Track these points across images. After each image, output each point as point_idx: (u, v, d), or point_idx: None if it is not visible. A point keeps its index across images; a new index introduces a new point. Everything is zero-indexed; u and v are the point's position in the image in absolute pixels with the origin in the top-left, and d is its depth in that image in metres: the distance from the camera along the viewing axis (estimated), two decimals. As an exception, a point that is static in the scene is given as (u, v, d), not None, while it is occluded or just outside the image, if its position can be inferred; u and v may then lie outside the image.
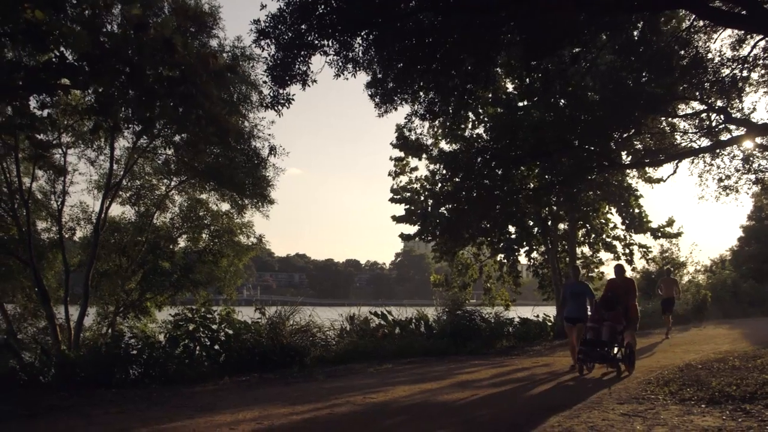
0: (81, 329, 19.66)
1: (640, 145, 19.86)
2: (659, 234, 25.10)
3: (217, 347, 13.16)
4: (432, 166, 22.39)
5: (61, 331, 19.08)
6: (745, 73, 16.00)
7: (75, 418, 8.33)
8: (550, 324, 22.90)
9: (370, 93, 13.30)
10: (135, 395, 9.96)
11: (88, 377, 10.79)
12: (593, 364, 13.05)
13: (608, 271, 25.62)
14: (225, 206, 21.78)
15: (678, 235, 25.70)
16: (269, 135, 22.14)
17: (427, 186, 22.76)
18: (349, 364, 14.08)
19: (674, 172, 19.80)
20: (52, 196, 21.08)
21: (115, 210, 25.76)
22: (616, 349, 12.70)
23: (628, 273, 17.27)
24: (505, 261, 23.52)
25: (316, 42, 11.54)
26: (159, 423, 7.83)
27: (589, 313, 13.67)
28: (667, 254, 37.36)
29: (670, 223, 25.32)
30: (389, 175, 23.68)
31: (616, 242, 25.33)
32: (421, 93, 13.84)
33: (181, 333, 12.87)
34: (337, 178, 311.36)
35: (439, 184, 21.61)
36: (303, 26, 11.32)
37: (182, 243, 23.09)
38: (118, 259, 21.63)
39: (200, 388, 10.81)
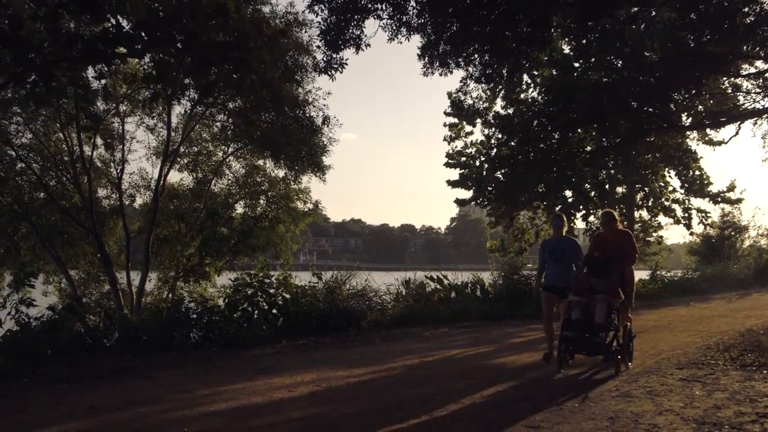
0: (142, 294, 20.06)
1: (700, 107, 19.39)
2: (719, 199, 24.56)
3: (275, 311, 13.30)
4: (487, 131, 22.24)
5: (123, 295, 19.51)
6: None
7: (138, 379, 8.54)
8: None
9: (419, 53, 13.18)
10: (195, 358, 10.17)
11: (150, 341, 11.03)
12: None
13: (667, 236, 25.25)
14: (282, 173, 21.90)
15: (739, 201, 25.11)
16: (324, 105, 22.12)
17: (483, 150, 22.59)
18: (405, 327, 14.14)
19: (736, 133, 19.31)
20: (111, 164, 21.43)
21: (174, 177, 26.19)
22: (611, 336, 8.81)
23: (621, 223, 10.68)
24: (562, 225, 23.26)
25: (369, 5, 11.50)
26: (219, 385, 7.98)
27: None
28: (728, 218, 36.64)
29: (732, 188, 24.73)
30: (444, 140, 23.59)
31: (675, 206, 24.91)
32: (476, 56, 13.68)
33: (240, 297, 13.02)
34: (392, 144, 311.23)
35: (495, 149, 21.44)
36: (356, -10, 11.26)
37: (239, 209, 23.31)
38: (177, 225, 21.91)
39: (259, 351, 10.98)
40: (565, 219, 10.38)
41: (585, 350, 8.80)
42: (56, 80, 8.68)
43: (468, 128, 23.19)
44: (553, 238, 10.39)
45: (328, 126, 18.73)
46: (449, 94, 22.09)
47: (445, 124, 23.48)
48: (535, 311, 16.86)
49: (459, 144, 23.51)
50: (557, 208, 23.03)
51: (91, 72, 10.27)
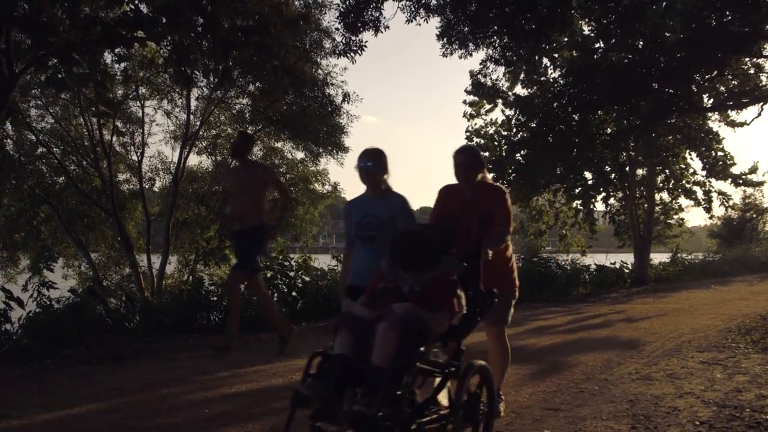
0: (163, 277, 20.23)
1: (722, 87, 19.19)
2: (741, 181, 24.33)
3: (294, 294, 13.34)
4: (507, 112, 22.14)
5: (144, 278, 19.68)
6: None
7: (160, 361, 8.62)
8: (627, 271, 22.65)
9: (438, 34, 13.10)
10: (216, 340, 10.24)
11: (170, 323, 11.10)
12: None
13: (688, 218, 25.15)
14: (300, 155, 21.93)
15: (761, 183, 24.87)
16: (342, 82, 22.06)
17: (503, 132, 22.49)
18: (425, 310, 14.13)
19: (759, 114, 19.08)
20: (131, 147, 21.56)
21: (192, 160, 26.33)
22: (419, 392, 4.20)
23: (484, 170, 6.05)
24: (582, 207, 23.17)
25: (388, -13, 11.43)
26: (240, 366, 8.04)
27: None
28: (749, 200, 36.37)
29: (754, 169, 24.46)
30: (463, 116, 23.51)
31: (696, 188, 24.71)
32: (495, 38, 13.59)
33: (260, 280, 13.06)
34: (412, 126, 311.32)
35: (515, 130, 21.35)
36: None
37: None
38: (196, 208, 22.04)
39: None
40: (385, 156, 5.53)
41: (334, 423, 4.10)
42: (76, 64, 8.70)
43: (488, 106, 23.07)
44: (363, 197, 5.65)
45: (348, 102, 18.71)
46: (471, 73, 22.02)
47: (464, 102, 23.40)
48: (555, 294, 16.85)
49: (479, 122, 23.41)
50: (577, 191, 22.93)
51: (109, 57, 10.31)
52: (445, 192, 5.85)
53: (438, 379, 4.31)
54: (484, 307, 4.68)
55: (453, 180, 5.61)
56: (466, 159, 5.58)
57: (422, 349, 4.05)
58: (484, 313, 4.72)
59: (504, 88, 21.98)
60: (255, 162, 8.39)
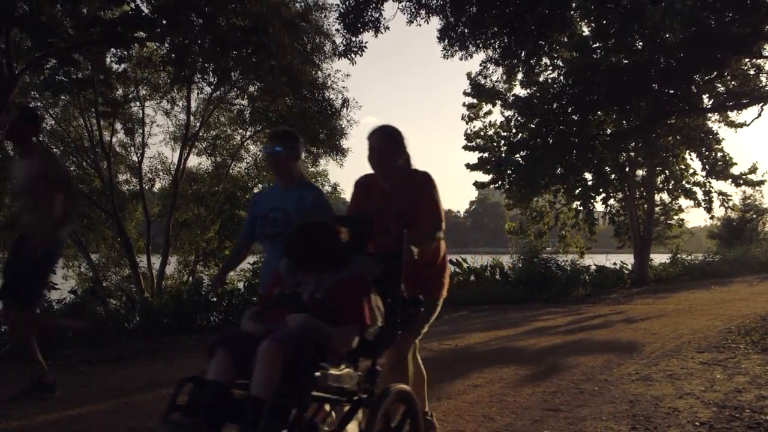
0: (163, 277, 20.23)
1: (722, 88, 19.21)
2: (741, 181, 24.34)
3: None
4: (507, 113, 22.14)
5: (143, 279, 19.68)
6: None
7: (159, 362, 8.61)
8: (627, 272, 22.66)
9: (439, 36, 13.13)
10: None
11: (170, 324, 11.08)
12: None
13: (688, 219, 25.17)
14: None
15: (761, 183, 24.88)
16: (343, 87, 22.12)
17: (502, 133, 22.49)
18: (424, 311, 14.12)
19: (759, 115, 19.09)
20: (131, 148, 21.59)
21: (192, 161, 26.37)
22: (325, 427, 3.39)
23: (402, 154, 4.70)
24: (581, 208, 23.18)
25: (388, -12, 11.48)
26: (240, 368, 8.03)
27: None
28: (749, 201, 36.37)
29: (754, 169, 24.48)
30: (462, 119, 23.51)
31: (696, 188, 24.72)
32: (495, 38, 13.61)
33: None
34: (413, 126, 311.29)
35: (514, 130, 21.36)
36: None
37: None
38: (196, 209, 22.06)
39: (279, 334, 11.02)
40: (298, 139, 4.94)
41: None
42: (76, 65, 8.71)
43: (486, 108, 23.06)
44: (273, 188, 5.20)
45: (347, 109, 18.76)
46: (469, 75, 22.01)
47: (464, 104, 23.40)
48: (555, 294, 16.85)
49: (478, 124, 23.41)
50: (576, 192, 22.93)
51: (109, 57, 10.32)
52: (362, 184, 4.81)
53: (346, 409, 3.50)
54: (407, 318, 3.94)
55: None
56: (381, 142, 4.52)
57: (318, 373, 3.16)
58: (406, 325, 4.01)
59: (503, 90, 21.97)
60: (36, 148, 6.16)
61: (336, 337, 3.42)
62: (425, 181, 4.58)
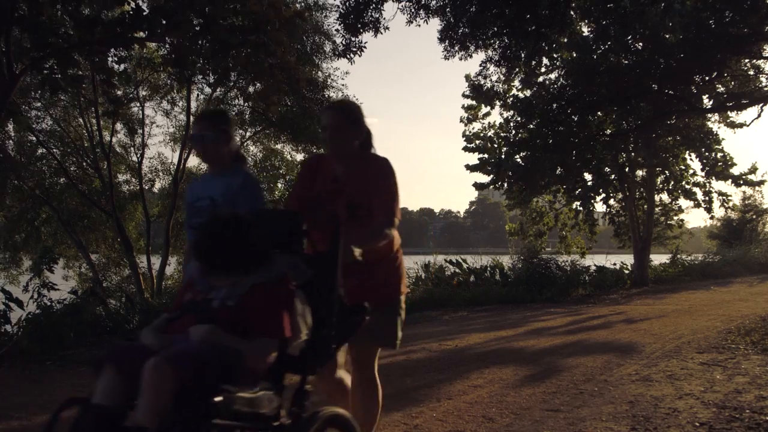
0: (163, 278, 20.23)
1: (722, 89, 19.23)
2: (741, 182, 24.34)
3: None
4: (506, 114, 22.14)
5: (143, 279, 19.69)
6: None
7: (160, 362, 8.61)
8: (627, 272, 22.67)
9: (439, 37, 13.15)
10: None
11: (171, 324, 11.08)
12: None
13: (688, 219, 25.20)
14: (300, 156, 21.98)
15: (761, 183, 24.88)
16: (343, 85, 22.14)
17: (501, 134, 22.49)
18: (424, 311, 14.14)
19: (759, 116, 19.09)
20: (131, 149, 21.62)
21: (192, 161, 26.25)
22: None
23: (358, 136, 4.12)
24: (581, 209, 23.18)
25: (389, -12, 11.49)
26: (240, 368, 8.03)
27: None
28: (749, 201, 36.38)
29: (753, 170, 24.48)
30: (461, 121, 23.50)
31: (696, 189, 24.73)
32: (495, 39, 13.62)
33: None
34: (412, 127, 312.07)
35: (513, 131, 21.36)
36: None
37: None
38: (196, 209, 22.09)
39: (278, 334, 11.02)
40: (228, 120, 4.40)
41: None
42: (75, 66, 8.70)
43: (485, 109, 23.06)
44: (204, 176, 5.01)
45: None
46: (467, 77, 22.00)
47: (463, 107, 23.40)
48: (555, 295, 16.86)
49: (476, 126, 23.41)
50: (576, 193, 22.93)
51: (110, 57, 10.31)
52: (311, 163, 4.29)
53: None
54: (346, 329, 3.39)
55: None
56: (334, 120, 3.96)
57: (219, 398, 2.62)
58: (346, 338, 3.48)
59: (502, 90, 21.95)
60: None
61: (248, 353, 2.87)
62: (382, 168, 4.01)
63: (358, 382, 4.13)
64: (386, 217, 3.89)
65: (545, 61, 20.50)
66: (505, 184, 21.87)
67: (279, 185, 23.34)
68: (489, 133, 23.08)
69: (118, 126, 20.17)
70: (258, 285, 3.10)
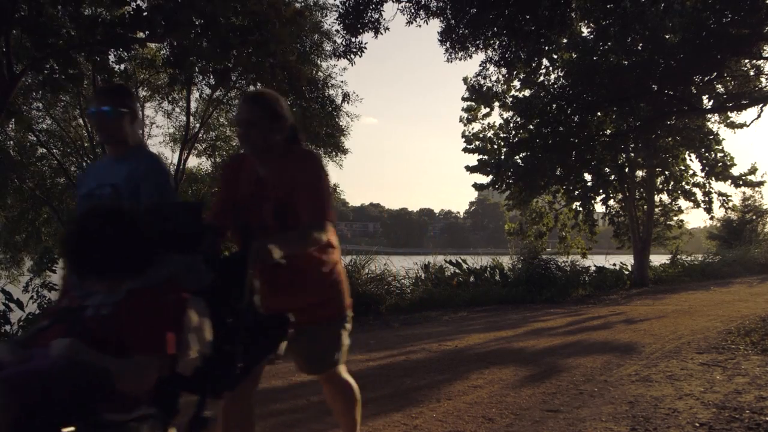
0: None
1: (722, 89, 19.23)
2: (741, 182, 24.36)
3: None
4: (506, 114, 22.16)
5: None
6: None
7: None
8: (627, 273, 22.68)
9: (440, 39, 13.17)
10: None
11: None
12: None
13: (688, 219, 25.25)
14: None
15: (761, 184, 24.90)
16: (342, 82, 22.15)
17: (501, 134, 22.51)
18: (424, 312, 14.16)
19: (758, 116, 19.11)
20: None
21: (192, 161, 26.36)
22: None
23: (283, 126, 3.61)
24: (581, 209, 23.20)
25: (388, -12, 11.49)
26: (240, 368, 8.02)
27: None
28: (749, 202, 36.40)
29: (753, 170, 24.51)
30: (460, 121, 23.53)
31: (695, 189, 24.75)
32: (495, 39, 13.62)
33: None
34: (412, 127, 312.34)
35: (513, 132, 21.38)
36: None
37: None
38: (196, 210, 22.09)
39: (278, 335, 11.02)
40: (132, 95, 3.93)
41: None
42: (76, 66, 8.71)
43: (485, 110, 23.09)
44: (103, 161, 4.07)
45: (348, 102, 18.78)
46: (465, 80, 22.04)
47: (463, 109, 23.43)
48: (554, 295, 16.86)
49: (476, 126, 23.45)
50: (576, 193, 22.94)
51: (110, 57, 10.32)
52: (233, 165, 3.80)
53: None
54: (264, 345, 2.96)
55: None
56: (249, 113, 3.44)
57: (69, 429, 2.15)
58: (262, 355, 3.04)
59: (501, 90, 21.96)
60: None
61: (119, 373, 2.38)
62: (306, 162, 3.52)
63: (323, 387, 3.88)
64: (314, 218, 3.37)
65: (545, 61, 20.54)
66: (504, 185, 21.90)
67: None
68: (489, 134, 23.11)
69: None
70: (136, 291, 2.58)
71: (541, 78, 21.19)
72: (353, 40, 12.30)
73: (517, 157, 20.79)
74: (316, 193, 3.40)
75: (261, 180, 3.51)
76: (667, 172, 24.53)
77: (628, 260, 23.91)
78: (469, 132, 23.38)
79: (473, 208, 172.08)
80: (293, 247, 3.19)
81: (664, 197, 26.06)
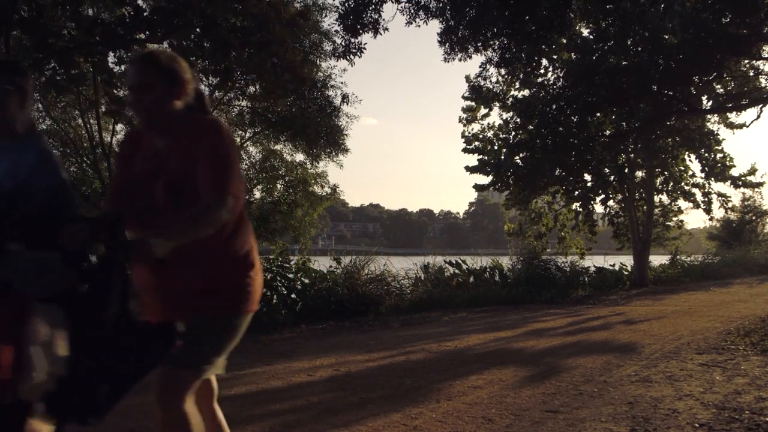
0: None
1: (721, 89, 19.24)
2: (740, 183, 24.38)
3: (293, 296, 13.35)
4: (505, 115, 22.17)
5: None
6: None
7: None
8: (626, 273, 22.69)
9: (439, 40, 13.17)
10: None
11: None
12: None
13: (687, 220, 25.28)
14: (299, 157, 22.02)
15: (760, 185, 24.91)
16: (342, 83, 22.17)
17: (501, 135, 22.51)
18: (424, 312, 14.16)
19: (758, 116, 19.11)
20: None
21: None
22: None
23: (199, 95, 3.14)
24: (581, 209, 23.21)
25: (388, -11, 11.50)
26: (239, 369, 8.02)
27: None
28: (749, 202, 36.42)
29: (753, 171, 24.53)
30: (459, 122, 23.54)
31: (695, 190, 24.77)
32: (495, 40, 13.62)
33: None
34: (412, 128, 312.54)
35: (513, 132, 21.39)
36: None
37: (257, 194, 23.44)
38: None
39: (277, 335, 11.02)
40: (25, 74, 3.20)
41: None
42: (76, 66, 8.72)
43: (484, 111, 23.10)
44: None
45: (347, 104, 18.78)
46: (467, 78, 22.03)
47: (463, 109, 23.44)
48: (554, 296, 16.86)
49: (475, 126, 23.46)
50: (576, 193, 22.95)
51: (110, 58, 10.33)
52: (130, 139, 3.26)
53: None
54: (143, 360, 2.51)
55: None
56: (141, 75, 2.87)
57: None
58: (141, 372, 2.56)
59: (501, 92, 21.96)
60: None
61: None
62: (207, 131, 2.91)
63: (156, 410, 2.75)
64: (215, 193, 2.77)
65: (545, 62, 20.55)
66: (504, 186, 21.91)
67: (278, 186, 23.35)
68: (488, 134, 23.11)
69: (119, 127, 20.17)
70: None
71: (541, 78, 21.20)
72: (353, 40, 12.31)
73: (517, 157, 20.80)
74: (218, 166, 2.81)
75: (158, 154, 2.95)
76: (666, 173, 24.55)
77: (627, 261, 23.92)
78: (469, 132, 23.41)
79: (473, 208, 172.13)
80: (186, 235, 2.71)
81: (664, 198, 26.11)
